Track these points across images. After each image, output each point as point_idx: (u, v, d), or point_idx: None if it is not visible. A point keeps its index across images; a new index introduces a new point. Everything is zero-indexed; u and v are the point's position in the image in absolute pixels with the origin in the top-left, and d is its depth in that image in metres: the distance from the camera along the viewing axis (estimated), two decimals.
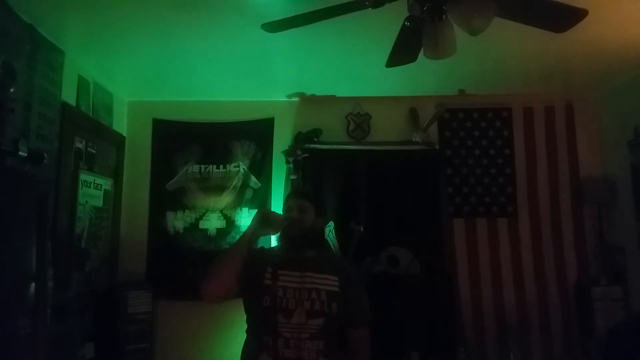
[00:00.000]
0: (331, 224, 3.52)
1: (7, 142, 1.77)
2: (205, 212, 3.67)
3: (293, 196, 2.22)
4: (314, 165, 3.59)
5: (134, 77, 3.41)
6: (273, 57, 2.96)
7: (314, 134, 3.64)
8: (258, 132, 3.74)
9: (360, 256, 3.47)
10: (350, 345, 2.03)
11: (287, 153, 3.63)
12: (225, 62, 3.05)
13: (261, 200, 3.65)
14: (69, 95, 2.87)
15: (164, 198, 3.68)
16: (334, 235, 3.49)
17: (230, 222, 3.65)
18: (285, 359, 1.86)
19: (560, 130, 3.73)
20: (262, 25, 1.94)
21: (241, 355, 2.04)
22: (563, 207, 3.65)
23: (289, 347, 1.87)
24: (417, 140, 3.62)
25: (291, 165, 3.60)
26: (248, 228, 2.02)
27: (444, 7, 1.67)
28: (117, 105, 3.57)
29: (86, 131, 3.09)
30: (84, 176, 3.06)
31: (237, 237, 3.55)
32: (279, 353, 1.86)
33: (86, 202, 3.10)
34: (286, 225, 2.01)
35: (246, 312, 2.05)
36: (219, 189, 3.69)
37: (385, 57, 2.23)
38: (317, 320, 1.91)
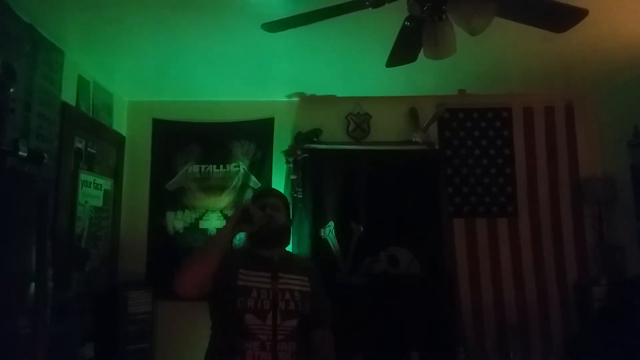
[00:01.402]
0: (331, 224, 3.53)
1: (7, 142, 1.78)
2: (205, 212, 3.67)
3: (266, 194, 2.16)
4: (314, 165, 3.59)
5: (134, 77, 3.41)
6: (273, 57, 2.96)
7: (314, 134, 3.64)
8: (258, 132, 3.74)
9: (360, 256, 3.47)
10: (315, 346, 1.98)
11: (287, 153, 3.63)
12: (225, 62, 3.05)
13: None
14: (69, 95, 2.87)
15: (164, 198, 3.68)
16: (334, 235, 3.50)
17: None
18: None
19: (560, 130, 3.73)
20: (262, 25, 1.94)
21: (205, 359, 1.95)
22: (563, 207, 3.65)
23: (264, 349, 1.81)
24: (417, 140, 3.62)
25: (291, 165, 3.60)
26: (228, 223, 1.93)
27: (444, 7, 1.67)
28: (117, 105, 3.57)
29: (86, 131, 3.09)
30: (84, 176, 3.06)
31: (237, 237, 3.61)
32: (255, 356, 1.80)
33: (86, 202, 3.10)
34: (265, 223, 1.92)
35: (213, 314, 1.97)
36: (219, 189, 3.69)
37: (385, 57, 2.23)
38: (292, 322, 1.88)
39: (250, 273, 1.90)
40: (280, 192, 2.28)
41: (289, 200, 3.49)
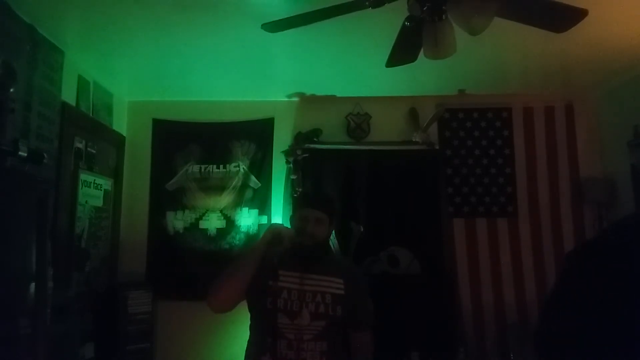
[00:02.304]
0: None
1: (7, 142, 1.78)
2: (205, 212, 3.67)
3: (310, 206, 2.08)
4: (314, 165, 3.59)
5: (134, 77, 3.41)
6: (273, 57, 2.96)
7: (314, 134, 3.64)
8: (258, 132, 3.74)
9: (360, 256, 3.47)
10: (353, 347, 2.03)
11: (287, 153, 3.63)
12: (225, 62, 3.05)
13: (261, 200, 3.66)
14: (69, 95, 2.87)
15: (164, 198, 3.68)
16: (334, 235, 3.50)
17: (230, 222, 3.65)
18: None
19: (560, 130, 3.73)
20: (262, 25, 1.94)
21: (245, 355, 2.03)
22: (563, 207, 3.65)
23: (291, 348, 1.87)
24: (417, 140, 3.62)
25: (291, 165, 3.59)
26: (259, 243, 2.02)
27: (444, 7, 1.67)
28: (117, 105, 3.57)
29: (86, 131, 3.09)
30: (84, 176, 3.06)
31: (237, 237, 3.62)
32: (282, 354, 1.86)
33: (86, 202, 3.10)
34: (299, 239, 1.98)
35: (250, 312, 2.04)
36: (219, 189, 3.69)
37: (385, 57, 2.23)
38: (320, 322, 1.91)
39: (284, 273, 1.95)
40: (328, 201, 2.23)
41: (289, 200, 3.54)
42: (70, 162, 2.89)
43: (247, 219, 3.64)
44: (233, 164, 3.71)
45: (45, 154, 1.98)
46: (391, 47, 2.12)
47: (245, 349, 2.04)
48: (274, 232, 2.02)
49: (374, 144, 3.67)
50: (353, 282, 2.05)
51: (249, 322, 2.07)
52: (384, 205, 3.56)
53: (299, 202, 2.25)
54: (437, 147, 3.67)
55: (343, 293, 1.98)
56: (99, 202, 3.29)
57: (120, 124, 3.66)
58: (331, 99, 3.73)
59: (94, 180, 3.21)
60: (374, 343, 2.07)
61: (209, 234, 3.64)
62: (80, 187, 3.01)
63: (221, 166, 3.72)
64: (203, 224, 3.66)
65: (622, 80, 3.38)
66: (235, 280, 1.95)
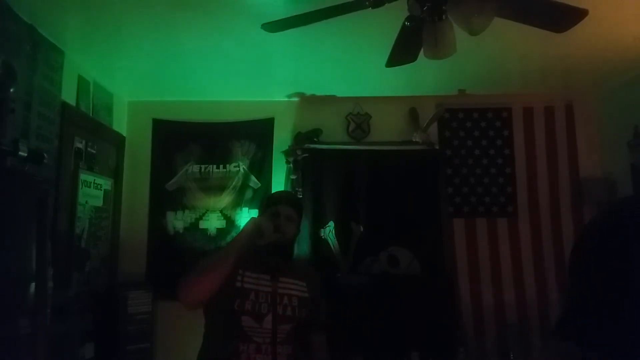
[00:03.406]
0: (331, 224, 3.52)
1: (7, 142, 1.78)
2: (205, 212, 3.67)
3: (282, 202, 2.06)
4: (314, 165, 3.59)
5: (134, 77, 3.41)
6: (273, 57, 2.96)
7: (313, 134, 3.64)
8: (258, 132, 3.74)
9: (360, 256, 3.47)
10: (312, 350, 2.00)
11: (287, 153, 3.63)
12: (225, 62, 3.05)
13: (261, 200, 3.65)
14: (69, 95, 2.87)
15: (164, 198, 3.68)
16: (334, 235, 3.50)
17: (230, 222, 3.65)
18: None
19: (560, 130, 3.73)
20: (262, 25, 1.94)
21: None
22: (563, 207, 3.65)
23: (260, 352, 1.81)
24: (417, 140, 3.62)
25: (291, 165, 3.60)
26: (240, 236, 1.90)
27: (444, 7, 1.67)
28: (117, 105, 3.57)
29: (86, 131, 3.09)
30: (84, 176, 3.06)
31: None
32: (250, 358, 1.80)
33: (86, 202, 3.10)
34: (267, 234, 1.88)
35: (208, 315, 1.94)
36: (219, 189, 3.69)
37: (385, 57, 2.23)
38: (286, 326, 1.88)
39: (251, 275, 1.90)
40: (295, 199, 2.23)
41: None
42: (70, 162, 2.89)
43: (247, 219, 3.62)
44: (233, 164, 3.71)
45: (45, 154, 1.97)
46: (391, 47, 2.12)
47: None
48: (255, 225, 1.89)
49: (374, 144, 3.67)
50: (313, 284, 2.04)
51: (206, 325, 1.95)
52: (384, 205, 3.56)
53: (269, 200, 2.18)
54: (437, 147, 3.67)
55: (307, 296, 1.97)
56: (99, 202, 3.29)
57: (120, 124, 3.66)
58: (331, 99, 3.73)
59: (94, 180, 3.21)
60: (327, 346, 2.04)
61: (209, 234, 3.64)
62: (80, 187, 3.01)
63: (221, 166, 3.72)
64: (203, 224, 3.66)
65: (622, 80, 3.38)
66: (214, 273, 1.78)
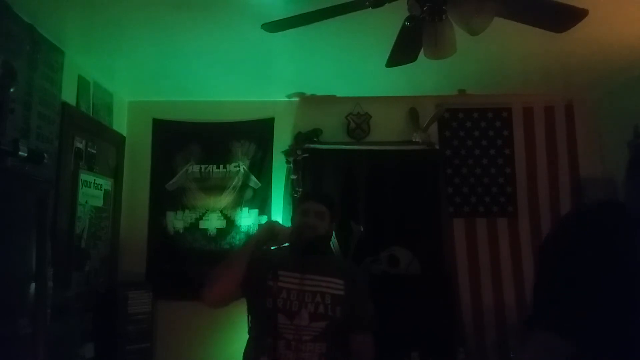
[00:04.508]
0: None
1: (7, 142, 1.77)
2: (205, 212, 3.67)
3: (311, 199, 2.18)
4: (314, 165, 3.59)
5: (134, 77, 3.41)
6: (273, 57, 2.96)
7: (314, 134, 3.64)
8: (258, 132, 3.74)
9: (360, 256, 3.47)
10: (352, 349, 2.01)
11: (287, 153, 3.63)
12: (225, 62, 3.05)
13: (261, 200, 3.66)
14: (69, 95, 2.87)
15: (164, 198, 3.68)
16: (334, 235, 3.49)
17: (230, 222, 3.65)
18: None
19: (560, 130, 3.73)
20: (262, 25, 1.94)
21: (243, 357, 2.02)
22: (563, 207, 3.65)
23: (290, 348, 1.86)
24: (417, 140, 3.62)
25: (291, 165, 3.60)
26: (252, 238, 2.06)
27: (444, 7, 1.67)
28: (117, 105, 3.57)
29: (86, 131, 3.09)
30: (84, 176, 3.06)
31: (237, 237, 3.61)
32: (281, 354, 1.85)
33: (86, 202, 3.10)
34: (299, 231, 2.02)
35: (248, 313, 2.05)
36: (219, 189, 3.69)
37: (385, 57, 2.23)
38: (320, 323, 1.91)
39: (284, 274, 1.95)
40: (329, 198, 2.28)
41: (289, 200, 3.54)
42: (70, 162, 2.89)
43: (247, 219, 3.64)
44: (233, 164, 3.71)
45: (45, 154, 1.97)
46: (391, 47, 2.12)
47: (243, 349, 2.04)
48: (268, 228, 2.05)
49: (374, 144, 3.67)
50: (353, 283, 2.04)
51: (248, 324, 2.06)
52: (384, 205, 3.56)
53: (300, 199, 2.27)
54: (437, 147, 3.67)
55: (343, 294, 1.97)
56: (99, 202, 3.29)
57: (120, 124, 3.66)
58: (331, 99, 3.73)
59: (94, 180, 3.21)
60: (374, 346, 2.03)
61: (209, 234, 3.64)
62: (80, 187, 3.01)
63: (221, 166, 3.72)
64: (203, 224, 3.66)
65: (622, 80, 3.38)
66: (228, 274, 1.98)
